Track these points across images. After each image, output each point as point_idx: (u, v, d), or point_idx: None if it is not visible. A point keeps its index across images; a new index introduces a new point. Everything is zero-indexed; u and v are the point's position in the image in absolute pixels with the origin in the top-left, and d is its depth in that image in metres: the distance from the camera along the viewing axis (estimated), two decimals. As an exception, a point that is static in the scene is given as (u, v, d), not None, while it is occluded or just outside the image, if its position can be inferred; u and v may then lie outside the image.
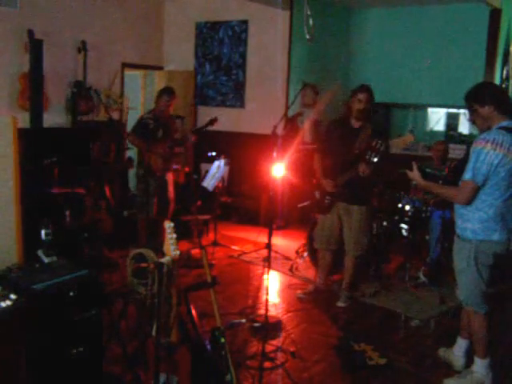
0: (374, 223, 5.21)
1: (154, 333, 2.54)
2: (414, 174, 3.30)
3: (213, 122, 5.40)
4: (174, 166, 5.92)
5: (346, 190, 4.21)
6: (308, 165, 4.69)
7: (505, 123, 3.03)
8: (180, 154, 5.62)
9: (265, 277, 5.00)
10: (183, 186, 6.23)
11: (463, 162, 3.40)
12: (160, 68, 7.92)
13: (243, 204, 7.03)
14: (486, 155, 2.95)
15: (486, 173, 2.97)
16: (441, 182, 4.65)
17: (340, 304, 4.46)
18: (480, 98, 3.10)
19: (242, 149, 6.90)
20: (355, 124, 4.26)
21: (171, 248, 2.52)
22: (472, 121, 3.24)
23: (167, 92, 5.38)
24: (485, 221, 3.05)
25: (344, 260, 4.54)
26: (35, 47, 5.80)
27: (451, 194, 3.20)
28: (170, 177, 5.54)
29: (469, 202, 3.06)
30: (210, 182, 5.70)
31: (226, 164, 5.76)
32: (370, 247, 4.50)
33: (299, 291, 4.69)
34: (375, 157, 3.84)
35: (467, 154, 3.22)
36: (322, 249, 4.57)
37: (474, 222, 3.09)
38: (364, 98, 4.18)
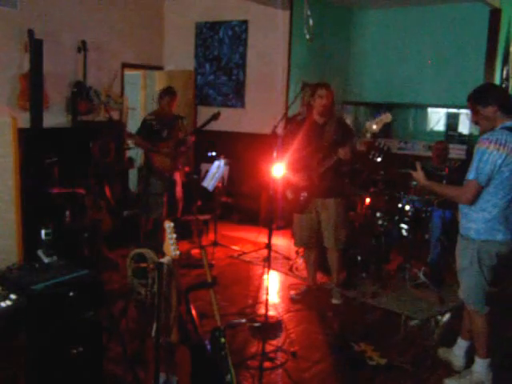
0: (374, 223, 5.22)
1: (153, 333, 2.54)
2: (419, 174, 3.29)
3: (216, 117, 5.36)
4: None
5: (322, 185, 4.22)
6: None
7: (508, 123, 3.04)
8: (185, 153, 5.62)
9: (265, 277, 4.99)
10: (183, 186, 6.23)
11: (466, 163, 3.40)
12: (160, 68, 7.91)
13: (243, 204, 7.03)
14: (490, 155, 2.95)
15: (489, 173, 2.97)
16: (444, 182, 4.66)
17: (334, 301, 4.47)
18: (483, 98, 3.10)
19: (242, 149, 6.89)
20: (320, 120, 4.29)
21: (171, 248, 2.52)
22: (475, 122, 3.24)
23: (169, 92, 5.40)
24: (488, 221, 3.05)
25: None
26: (35, 47, 5.80)
27: (455, 194, 3.19)
28: (177, 176, 5.56)
29: (472, 201, 3.06)
30: (210, 182, 5.70)
31: (226, 164, 5.76)
32: (349, 240, 4.49)
33: (292, 291, 4.69)
34: (378, 156, 3.87)
35: (470, 155, 3.22)
36: (304, 247, 4.59)
37: (477, 222, 3.09)
38: (324, 93, 4.20)
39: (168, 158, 5.33)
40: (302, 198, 4.35)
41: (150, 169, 5.41)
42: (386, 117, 3.89)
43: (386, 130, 7.41)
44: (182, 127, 5.57)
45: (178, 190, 5.58)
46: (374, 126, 3.87)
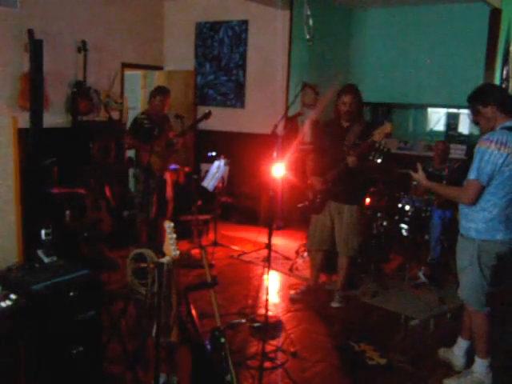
0: (374, 223, 5.22)
1: (154, 333, 2.54)
2: (419, 176, 3.29)
3: (207, 116, 5.32)
4: (173, 166, 5.91)
5: (336, 189, 4.22)
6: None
7: (508, 123, 3.04)
8: (176, 152, 5.59)
9: (265, 277, 5.00)
10: (183, 186, 6.23)
11: (467, 163, 3.40)
12: (160, 68, 7.91)
13: (243, 204, 7.03)
14: (491, 155, 2.96)
15: (490, 172, 2.97)
16: (445, 182, 4.66)
17: (334, 305, 4.46)
18: (482, 98, 3.11)
19: (242, 149, 6.90)
20: (345, 124, 4.29)
21: (171, 248, 2.52)
22: (475, 122, 3.24)
23: (160, 91, 5.37)
24: (489, 220, 3.06)
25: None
26: (35, 47, 5.80)
27: (456, 195, 3.20)
28: (168, 176, 5.54)
29: (474, 201, 3.07)
30: (210, 182, 5.70)
31: (225, 164, 5.76)
32: (361, 248, 4.47)
33: (292, 291, 4.69)
34: (379, 157, 3.87)
35: (470, 155, 3.23)
36: (314, 250, 4.58)
37: (478, 222, 3.09)
38: (348, 99, 4.16)
39: (158, 158, 5.30)
40: (318, 200, 4.38)
41: (140, 168, 5.39)
42: (386, 127, 3.90)
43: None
44: (180, 126, 5.52)
45: (168, 190, 5.55)
46: (376, 138, 3.88)
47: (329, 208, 4.35)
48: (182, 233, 5.63)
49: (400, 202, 5.33)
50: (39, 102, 5.87)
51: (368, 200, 5.43)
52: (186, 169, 6.29)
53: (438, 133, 7.60)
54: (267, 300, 3.56)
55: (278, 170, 3.79)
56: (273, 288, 4.86)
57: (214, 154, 6.35)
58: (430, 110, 7.79)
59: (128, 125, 7.27)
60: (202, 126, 6.60)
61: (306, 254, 5.27)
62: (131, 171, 7.23)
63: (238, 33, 7.31)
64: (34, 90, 5.81)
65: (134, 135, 5.33)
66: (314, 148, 4.55)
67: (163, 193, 5.48)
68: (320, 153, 4.39)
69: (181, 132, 5.44)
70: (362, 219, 4.47)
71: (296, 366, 3.45)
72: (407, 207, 5.25)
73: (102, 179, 5.57)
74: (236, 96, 7.41)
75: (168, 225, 2.55)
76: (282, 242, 6.22)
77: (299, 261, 5.36)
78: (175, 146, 5.41)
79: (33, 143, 5.42)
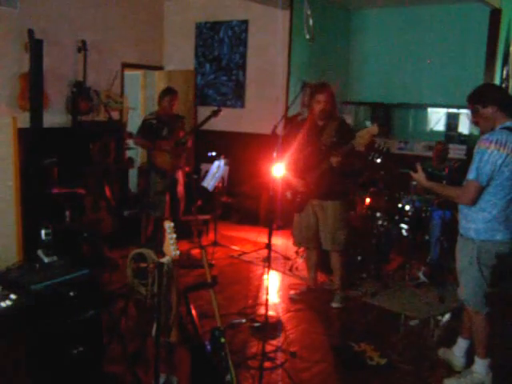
0: (374, 223, 5.23)
1: (154, 333, 2.54)
2: (419, 176, 3.29)
3: (216, 113, 5.35)
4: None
5: (318, 188, 4.20)
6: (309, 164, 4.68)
7: (508, 123, 3.04)
8: (186, 151, 5.62)
9: (265, 277, 5.00)
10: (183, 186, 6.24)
11: (466, 163, 3.40)
12: (160, 68, 7.92)
13: (243, 204, 7.03)
14: (490, 155, 2.95)
15: (489, 173, 2.97)
16: (445, 182, 4.66)
17: (334, 305, 4.45)
18: (482, 98, 3.10)
19: (242, 149, 6.90)
20: (319, 122, 4.26)
21: (171, 248, 2.52)
22: (475, 122, 3.24)
23: (169, 92, 5.43)
24: (488, 221, 3.05)
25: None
26: (35, 47, 5.80)
27: (455, 195, 3.19)
28: (180, 175, 5.56)
29: (473, 202, 3.06)
30: (210, 182, 5.70)
31: (225, 164, 5.76)
32: (348, 241, 4.42)
33: (292, 291, 4.69)
34: (378, 157, 3.88)
35: (470, 155, 3.22)
36: (304, 248, 4.57)
37: (477, 222, 3.09)
38: (322, 98, 4.13)
39: (169, 157, 5.34)
40: (298, 199, 4.36)
41: (152, 167, 5.43)
42: (372, 129, 3.88)
43: (386, 131, 7.42)
44: (183, 127, 5.58)
45: (180, 189, 5.58)
46: (360, 140, 3.87)
47: (311, 205, 4.33)
48: (182, 233, 5.63)
49: (400, 202, 5.33)
50: (39, 101, 5.87)
51: (368, 200, 5.44)
52: (187, 169, 6.29)
53: (437, 133, 7.59)
54: (267, 300, 3.56)
55: (278, 169, 3.79)
56: (273, 288, 4.86)
57: (214, 153, 6.35)
58: (429, 110, 7.78)
59: (129, 124, 7.34)
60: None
61: (305, 253, 5.27)
62: (131, 171, 7.26)
63: (237, 33, 7.30)
64: (33, 90, 5.81)
65: (143, 136, 5.38)
66: (290, 148, 4.43)
67: (175, 192, 5.51)
68: (296, 153, 4.31)
69: (190, 130, 5.48)
70: (347, 213, 4.44)
71: (296, 366, 3.45)
72: (407, 207, 5.25)
73: (101, 179, 5.57)
74: (236, 96, 7.41)
75: (168, 225, 2.54)
76: (282, 242, 6.21)
77: (299, 261, 5.36)
78: (185, 145, 5.46)
79: (33, 143, 5.41)
